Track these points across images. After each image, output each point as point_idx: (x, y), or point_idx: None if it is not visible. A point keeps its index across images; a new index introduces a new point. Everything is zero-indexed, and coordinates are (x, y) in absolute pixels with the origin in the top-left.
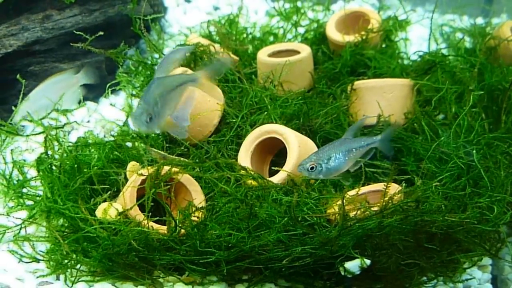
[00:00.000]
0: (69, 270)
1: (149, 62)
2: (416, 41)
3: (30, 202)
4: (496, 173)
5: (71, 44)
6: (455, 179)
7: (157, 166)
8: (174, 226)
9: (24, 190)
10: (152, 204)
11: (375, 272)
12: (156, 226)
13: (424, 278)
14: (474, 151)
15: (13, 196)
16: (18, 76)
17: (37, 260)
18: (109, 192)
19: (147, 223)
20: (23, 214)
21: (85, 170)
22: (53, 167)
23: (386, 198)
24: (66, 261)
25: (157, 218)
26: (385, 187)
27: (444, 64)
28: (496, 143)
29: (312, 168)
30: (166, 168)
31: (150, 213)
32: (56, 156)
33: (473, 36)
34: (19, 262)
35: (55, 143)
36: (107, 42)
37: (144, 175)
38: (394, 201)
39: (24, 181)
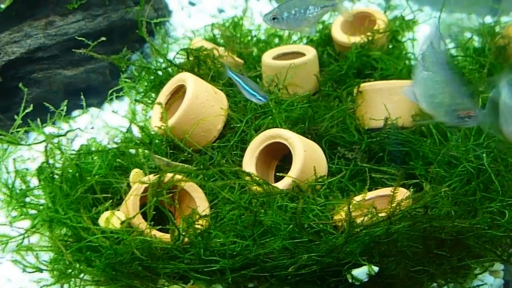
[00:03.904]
0: (72, 279)
1: (153, 67)
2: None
3: (33, 212)
4: (507, 177)
5: (74, 50)
6: (465, 184)
7: (160, 173)
8: (177, 234)
9: (27, 199)
10: (155, 212)
11: (384, 279)
12: (159, 234)
13: (435, 284)
14: (484, 155)
15: (16, 206)
16: (20, 84)
17: (41, 270)
18: (111, 200)
19: (150, 231)
20: (26, 223)
21: (88, 178)
22: (55, 176)
23: (394, 204)
24: (69, 270)
25: (161, 226)
26: (392, 192)
27: (453, 65)
28: (507, 146)
29: (274, 18)
30: (169, 175)
31: (154, 222)
32: (58, 165)
33: (482, 36)
34: (22, 272)
35: (57, 151)
36: (111, 47)
37: (147, 183)
38: (402, 206)
39: (26, 191)
